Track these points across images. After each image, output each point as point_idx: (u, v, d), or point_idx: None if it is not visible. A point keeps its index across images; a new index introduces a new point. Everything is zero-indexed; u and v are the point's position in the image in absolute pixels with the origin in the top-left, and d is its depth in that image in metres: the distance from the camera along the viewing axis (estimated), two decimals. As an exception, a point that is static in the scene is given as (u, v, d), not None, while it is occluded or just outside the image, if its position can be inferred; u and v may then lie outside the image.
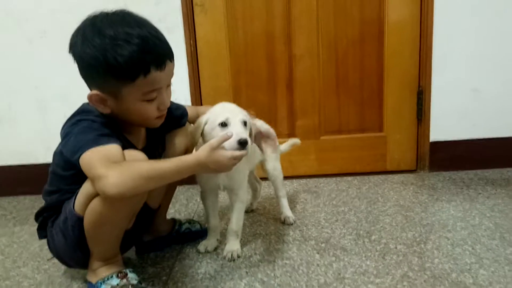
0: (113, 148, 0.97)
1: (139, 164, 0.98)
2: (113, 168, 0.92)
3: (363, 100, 2.01)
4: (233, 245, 1.29)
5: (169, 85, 1.10)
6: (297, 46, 1.96)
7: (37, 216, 1.18)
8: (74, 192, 1.07)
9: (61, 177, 1.10)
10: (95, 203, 1.01)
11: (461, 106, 1.98)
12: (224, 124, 1.11)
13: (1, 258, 1.36)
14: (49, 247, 1.17)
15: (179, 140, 1.25)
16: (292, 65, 1.98)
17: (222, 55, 1.96)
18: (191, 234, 1.42)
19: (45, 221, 1.15)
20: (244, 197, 1.30)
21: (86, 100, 1.06)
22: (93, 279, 1.12)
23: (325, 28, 1.94)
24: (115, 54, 0.95)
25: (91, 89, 1.03)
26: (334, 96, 2.00)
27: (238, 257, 1.27)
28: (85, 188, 1.03)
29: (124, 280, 1.12)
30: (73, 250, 1.10)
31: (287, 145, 1.66)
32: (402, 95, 1.99)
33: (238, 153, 1.05)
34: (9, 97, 2.00)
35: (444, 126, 2.00)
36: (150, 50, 0.98)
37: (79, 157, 0.95)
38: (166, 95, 1.08)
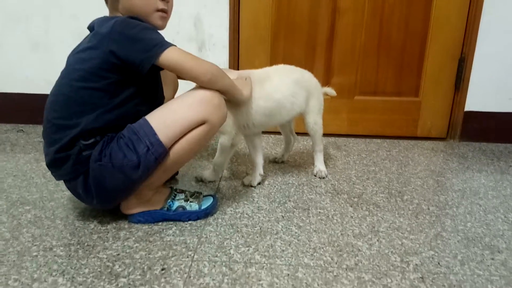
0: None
1: None
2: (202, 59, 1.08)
3: (403, 63, 1.97)
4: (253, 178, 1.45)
5: None
6: (343, -2, 1.90)
7: (65, 149, 1.02)
8: (111, 109, 1.03)
9: (93, 89, 1.01)
10: (201, 130, 1.07)
11: (499, 79, 1.94)
12: None
13: (44, 181, 1.40)
14: (84, 184, 1.04)
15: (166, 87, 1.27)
16: (335, 18, 1.92)
17: (264, 1, 1.91)
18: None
19: (81, 152, 1.01)
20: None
21: None
22: (150, 206, 1.14)
23: (374, -18, 1.87)
24: None
25: None
26: (374, 56, 1.96)
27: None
28: (181, 121, 1.05)
29: (186, 192, 1.20)
30: (137, 182, 1.06)
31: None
32: (443, 61, 1.95)
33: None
34: (46, 23, 2.00)
35: (480, 97, 1.97)
36: None
37: (160, 52, 1.00)
38: None
